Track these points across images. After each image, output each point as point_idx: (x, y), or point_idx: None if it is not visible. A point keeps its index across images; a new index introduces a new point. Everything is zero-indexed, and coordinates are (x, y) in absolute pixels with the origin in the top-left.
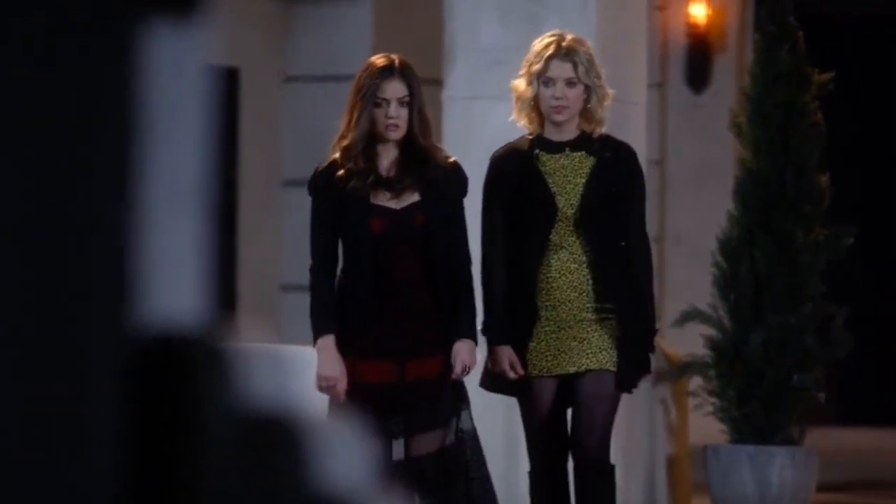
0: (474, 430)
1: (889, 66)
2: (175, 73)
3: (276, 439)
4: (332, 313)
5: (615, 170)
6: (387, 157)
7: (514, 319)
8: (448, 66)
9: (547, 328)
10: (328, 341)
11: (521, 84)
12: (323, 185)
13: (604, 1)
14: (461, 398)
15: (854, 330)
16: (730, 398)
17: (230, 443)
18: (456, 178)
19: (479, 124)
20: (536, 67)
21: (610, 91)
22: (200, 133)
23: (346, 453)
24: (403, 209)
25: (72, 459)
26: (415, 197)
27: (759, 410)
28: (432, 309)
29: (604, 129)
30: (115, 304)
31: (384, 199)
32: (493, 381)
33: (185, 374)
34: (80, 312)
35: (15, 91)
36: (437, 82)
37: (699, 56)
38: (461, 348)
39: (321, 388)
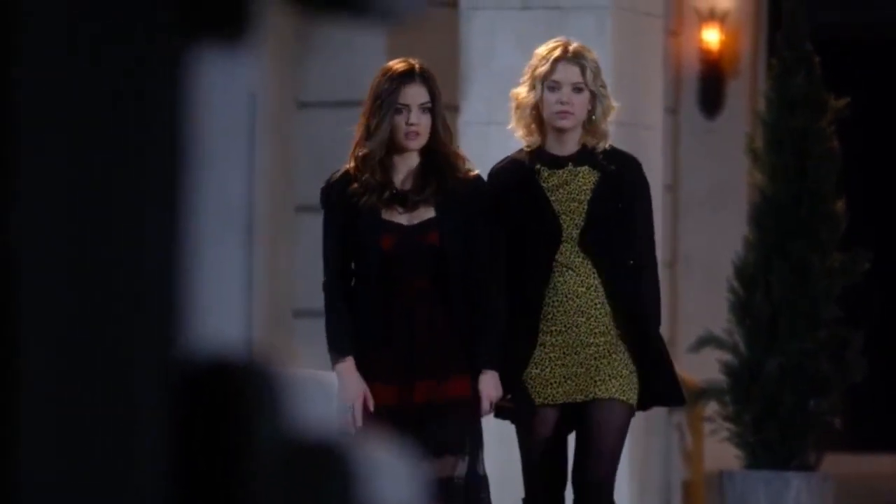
0: (486, 476)
1: None
2: (223, 98)
3: (325, 464)
4: (349, 335)
5: (620, 184)
6: (404, 169)
7: (516, 346)
8: (464, 91)
9: (552, 355)
10: (348, 364)
11: (521, 91)
12: (336, 197)
13: (620, 26)
14: (477, 439)
15: (869, 355)
16: (746, 423)
17: (279, 468)
18: (477, 190)
19: (496, 150)
20: (542, 70)
21: (614, 104)
22: (245, 159)
23: (394, 476)
24: (415, 226)
25: (121, 485)
26: (430, 212)
27: (775, 436)
28: (447, 331)
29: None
30: (165, 330)
31: (396, 215)
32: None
33: (233, 399)
34: (129, 337)
35: (67, 115)
36: (453, 108)
37: (712, 81)
38: (486, 382)
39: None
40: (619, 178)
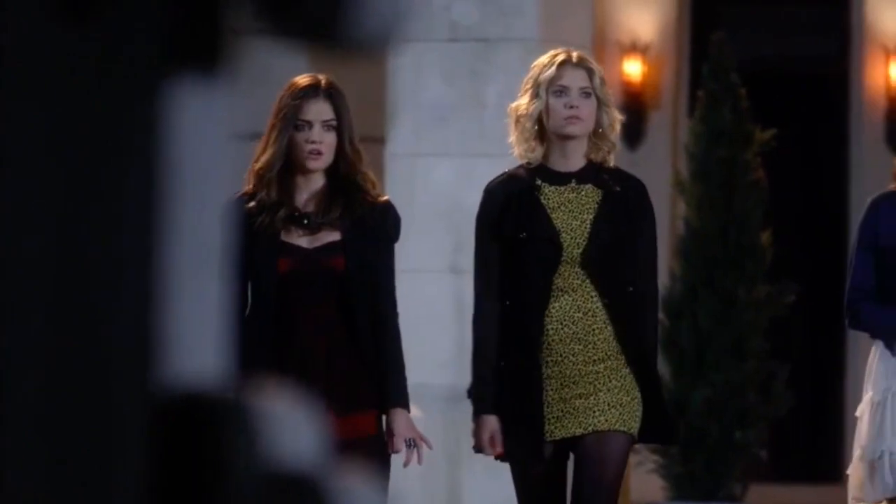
0: None
1: (829, 123)
2: (200, 134)
3: (300, 496)
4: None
5: (625, 205)
6: (308, 189)
7: (513, 380)
8: (391, 123)
9: (549, 388)
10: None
11: (521, 103)
12: (234, 219)
13: None
14: (384, 479)
15: (794, 387)
16: (672, 455)
17: (254, 499)
18: (386, 218)
19: (423, 181)
20: (546, 75)
21: (620, 116)
22: (222, 195)
23: None
24: (317, 249)
25: None
26: (334, 236)
27: (701, 467)
28: (349, 364)
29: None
30: (141, 362)
31: (296, 237)
32: (513, 449)
33: (209, 431)
34: (106, 369)
35: (46, 149)
36: (380, 139)
37: (634, 112)
38: (397, 421)
39: None
40: (625, 199)
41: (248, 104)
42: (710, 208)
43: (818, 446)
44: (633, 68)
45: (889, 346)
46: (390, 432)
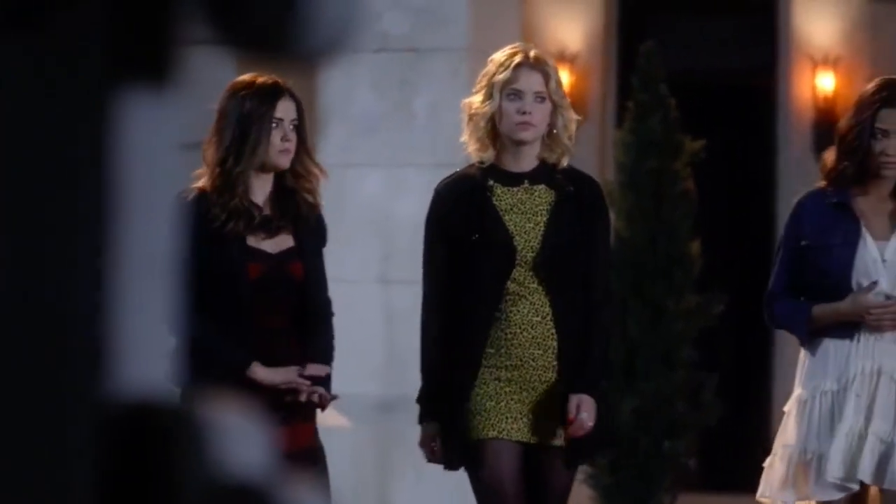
0: None
1: (758, 134)
2: (149, 144)
3: None
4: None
5: (579, 206)
6: (262, 191)
7: (454, 377)
8: (321, 133)
9: (508, 388)
10: (256, 368)
11: (475, 100)
12: (192, 218)
13: (475, 67)
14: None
15: (723, 396)
16: (601, 465)
17: None
18: (321, 223)
19: (353, 191)
20: (501, 77)
21: (575, 116)
22: (171, 203)
23: None
24: (279, 254)
25: None
26: (289, 241)
27: (630, 477)
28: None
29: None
30: (91, 372)
31: (260, 241)
32: (454, 457)
33: (159, 442)
34: (55, 380)
35: None
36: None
37: None
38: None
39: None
40: (578, 199)
41: (191, 114)
42: (639, 218)
43: (746, 456)
44: (562, 78)
45: (802, 340)
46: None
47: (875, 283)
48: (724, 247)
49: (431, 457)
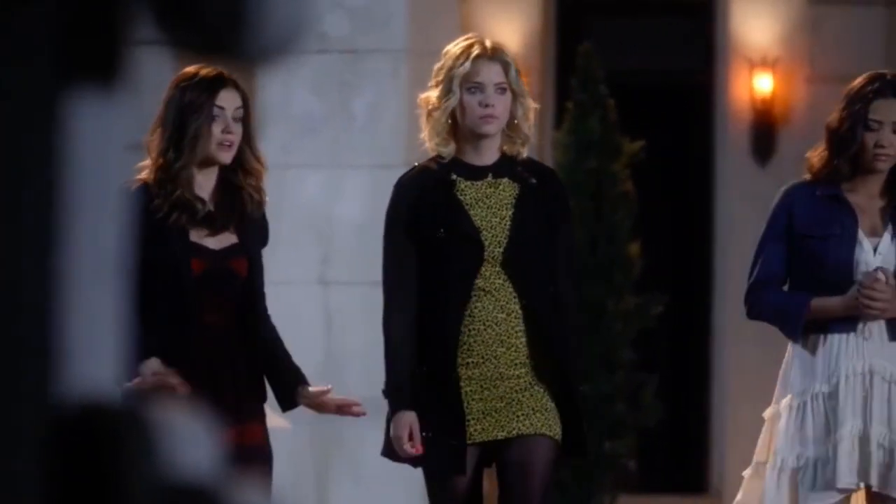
0: None
1: (695, 135)
2: (97, 145)
3: None
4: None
5: (542, 199)
6: (205, 186)
7: (429, 382)
8: (261, 135)
9: (469, 388)
10: (151, 364)
11: (433, 96)
12: (136, 210)
13: (415, 68)
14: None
15: (663, 398)
16: None
17: None
18: (265, 221)
19: (293, 192)
20: (460, 70)
21: (534, 105)
22: (119, 205)
23: None
24: (223, 251)
25: None
26: (233, 238)
27: (570, 478)
28: (248, 372)
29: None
30: (39, 374)
31: (203, 237)
32: (438, 460)
33: (107, 442)
34: (3, 381)
35: None
36: None
37: None
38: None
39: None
40: (542, 191)
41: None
42: (579, 219)
43: (685, 457)
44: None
45: (791, 332)
46: (320, 400)
47: (879, 269)
48: (663, 248)
49: (409, 446)
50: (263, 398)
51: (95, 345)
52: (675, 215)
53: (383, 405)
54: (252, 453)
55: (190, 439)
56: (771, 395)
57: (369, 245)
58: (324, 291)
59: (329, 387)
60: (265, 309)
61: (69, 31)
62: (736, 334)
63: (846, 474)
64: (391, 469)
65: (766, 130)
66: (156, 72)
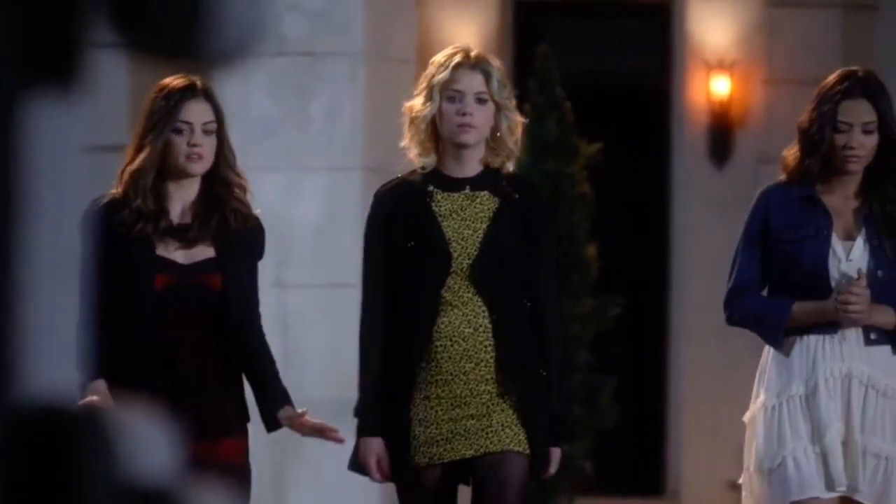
0: None
1: (653, 137)
2: (55, 147)
3: None
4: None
5: (523, 214)
6: (181, 199)
7: (395, 401)
8: None
9: (439, 409)
10: (100, 383)
11: (416, 103)
12: (100, 225)
13: (373, 72)
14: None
15: (619, 400)
16: None
17: None
18: (258, 235)
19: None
20: (440, 78)
21: (521, 119)
22: (78, 207)
23: None
24: (193, 265)
25: None
26: (209, 252)
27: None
28: (224, 387)
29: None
30: None
31: (171, 251)
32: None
33: (66, 446)
34: None
35: None
36: None
37: None
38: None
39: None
40: (523, 208)
41: (96, 117)
42: None
43: (642, 459)
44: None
45: (772, 339)
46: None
47: (861, 271)
48: (620, 250)
49: (376, 474)
50: (242, 414)
51: (53, 348)
52: (631, 217)
53: (342, 407)
54: (222, 469)
55: (147, 443)
56: (728, 397)
57: (327, 248)
58: (280, 294)
59: (305, 410)
60: (256, 326)
61: (26, 33)
62: (693, 336)
63: (839, 478)
64: (350, 471)
65: (723, 132)
66: (113, 75)
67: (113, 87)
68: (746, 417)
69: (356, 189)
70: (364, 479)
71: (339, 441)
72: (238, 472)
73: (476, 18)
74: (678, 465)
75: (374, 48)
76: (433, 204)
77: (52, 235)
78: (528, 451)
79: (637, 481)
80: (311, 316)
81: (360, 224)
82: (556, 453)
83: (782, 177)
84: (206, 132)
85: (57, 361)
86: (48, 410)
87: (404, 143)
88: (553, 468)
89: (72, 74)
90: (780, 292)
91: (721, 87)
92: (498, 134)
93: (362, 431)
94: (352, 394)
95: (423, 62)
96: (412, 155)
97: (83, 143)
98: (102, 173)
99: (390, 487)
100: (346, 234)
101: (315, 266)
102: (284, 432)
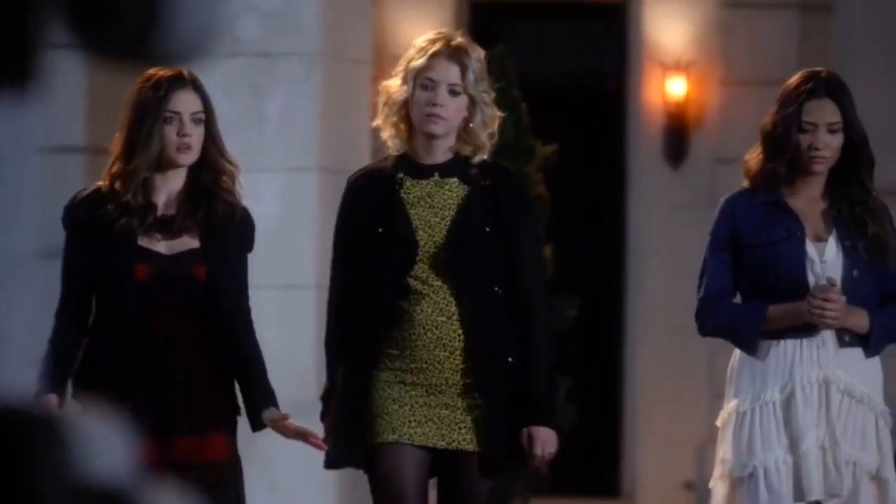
0: None
1: (608, 138)
2: (10, 148)
3: None
4: (62, 372)
5: (495, 201)
6: (167, 189)
7: (360, 382)
8: None
9: (415, 392)
10: (47, 401)
11: (393, 84)
12: (83, 218)
13: (328, 72)
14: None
15: (575, 401)
16: None
17: None
18: (246, 226)
19: None
20: (417, 64)
21: (498, 113)
22: (34, 207)
23: None
24: (177, 256)
25: None
26: (194, 242)
27: None
28: (211, 379)
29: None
30: None
31: (154, 242)
32: (337, 456)
33: (20, 446)
34: None
35: None
36: None
37: None
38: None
39: None
40: (494, 195)
41: (52, 118)
42: None
43: (598, 460)
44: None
45: (747, 346)
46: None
47: (832, 279)
48: (576, 251)
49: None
50: (232, 406)
51: (8, 350)
52: (587, 218)
53: (298, 407)
54: (209, 466)
55: (104, 444)
56: (684, 398)
57: (283, 248)
58: None
59: (287, 413)
60: (246, 321)
61: None
62: (648, 337)
63: (817, 486)
64: (304, 472)
65: (678, 133)
66: (70, 75)
67: (70, 87)
68: (719, 422)
69: (312, 189)
70: (319, 479)
71: (322, 448)
72: (226, 468)
73: (432, 19)
74: (634, 465)
75: (330, 48)
76: (402, 191)
77: (7, 237)
78: (488, 449)
79: (593, 482)
80: (266, 316)
81: (317, 225)
82: (542, 432)
83: (745, 183)
84: (194, 122)
85: (12, 363)
86: (4, 412)
87: (377, 122)
88: (541, 449)
89: (28, 75)
90: (752, 298)
91: (677, 87)
92: (470, 125)
93: (323, 415)
94: (308, 393)
95: (378, 62)
96: (385, 136)
97: (39, 144)
98: (59, 174)
99: (345, 486)
100: (303, 235)
101: (271, 267)
102: (239, 430)
